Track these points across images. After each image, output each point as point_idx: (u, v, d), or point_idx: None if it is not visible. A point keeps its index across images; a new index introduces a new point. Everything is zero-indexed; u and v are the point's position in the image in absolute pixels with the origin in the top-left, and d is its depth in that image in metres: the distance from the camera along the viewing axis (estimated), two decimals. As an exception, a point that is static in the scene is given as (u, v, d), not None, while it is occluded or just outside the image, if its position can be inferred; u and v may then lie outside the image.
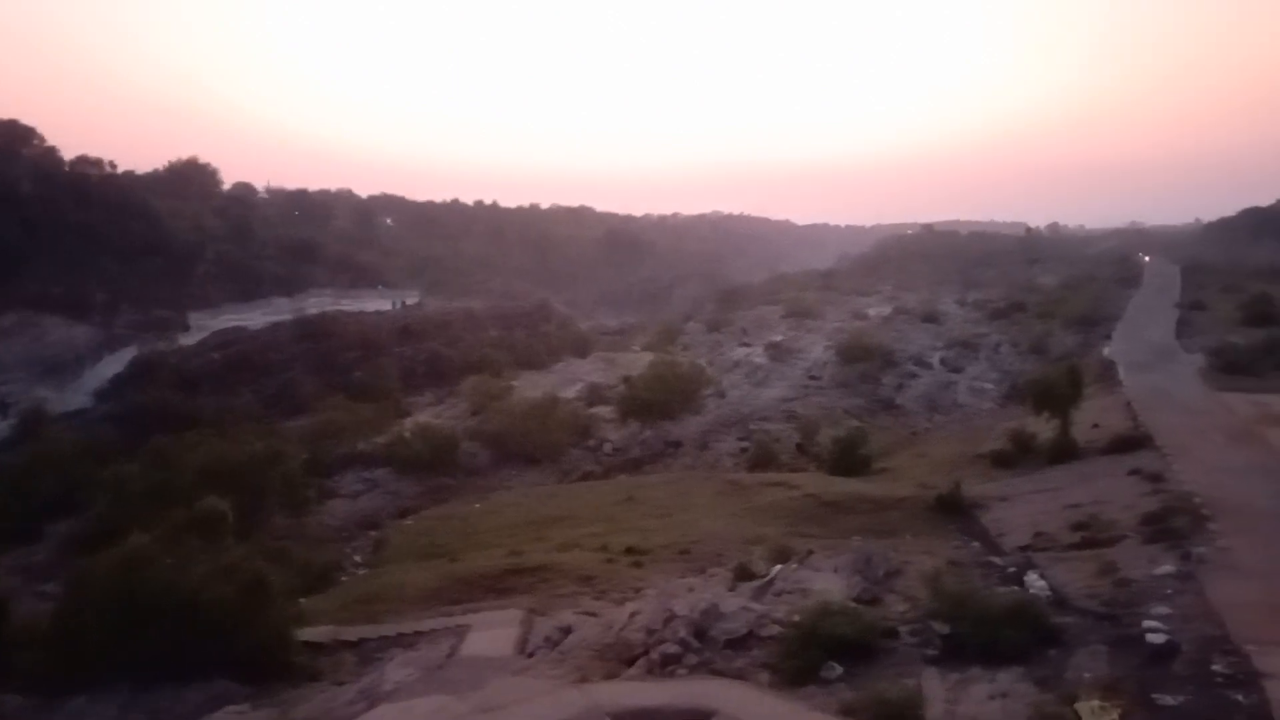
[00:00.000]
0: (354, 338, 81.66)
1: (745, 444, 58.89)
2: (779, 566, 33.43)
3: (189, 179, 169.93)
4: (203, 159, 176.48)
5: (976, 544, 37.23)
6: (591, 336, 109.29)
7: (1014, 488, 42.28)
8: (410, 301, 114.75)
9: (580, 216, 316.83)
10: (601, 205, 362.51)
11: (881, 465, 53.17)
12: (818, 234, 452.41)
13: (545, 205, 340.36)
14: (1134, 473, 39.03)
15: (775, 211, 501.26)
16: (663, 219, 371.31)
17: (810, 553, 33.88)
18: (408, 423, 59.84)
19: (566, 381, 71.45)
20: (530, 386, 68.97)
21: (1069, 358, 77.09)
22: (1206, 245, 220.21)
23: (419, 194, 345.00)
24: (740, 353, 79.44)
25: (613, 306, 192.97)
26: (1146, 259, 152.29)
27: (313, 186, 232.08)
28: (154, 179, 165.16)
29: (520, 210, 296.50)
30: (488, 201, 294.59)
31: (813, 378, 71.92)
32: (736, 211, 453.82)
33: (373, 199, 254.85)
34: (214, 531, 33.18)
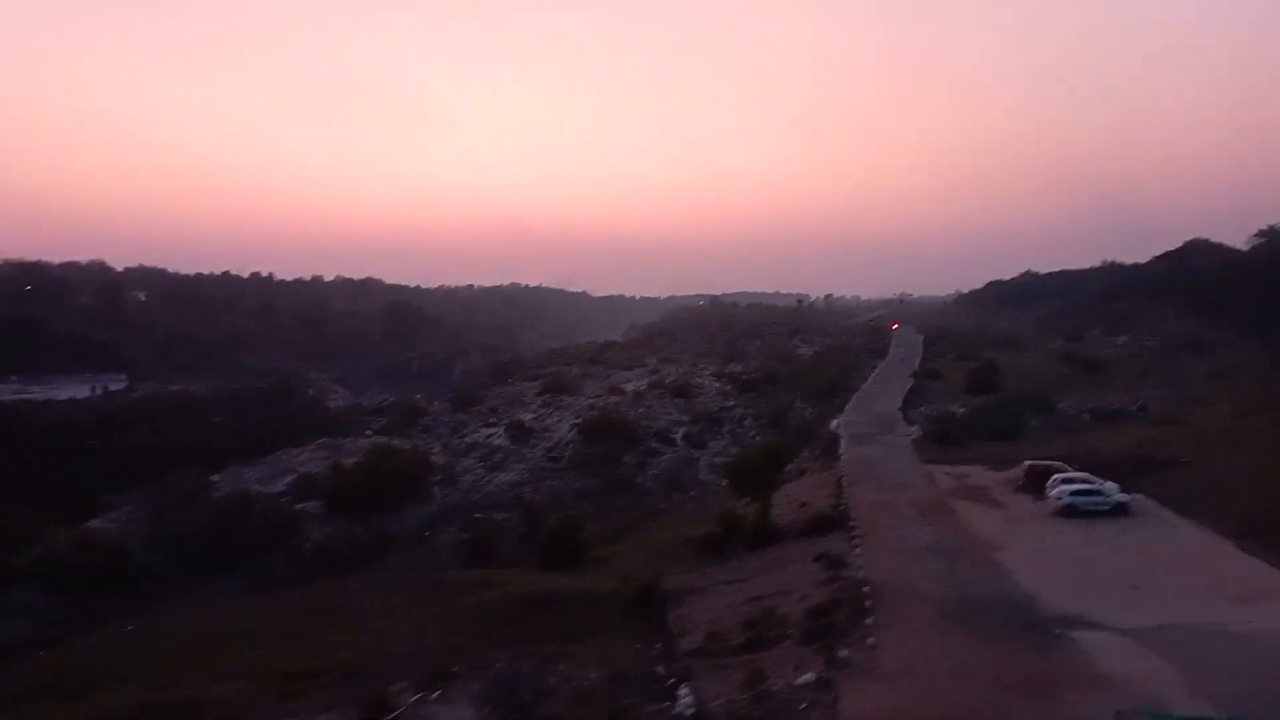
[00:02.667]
0: (37, 431, 71.83)
1: (467, 536, 55.18)
2: (416, 697, 29.89)
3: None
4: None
5: (659, 645, 35.16)
6: (344, 417, 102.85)
7: (710, 578, 40.66)
8: (115, 387, 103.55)
9: (365, 289, 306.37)
10: (393, 277, 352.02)
11: (601, 553, 50.71)
12: (612, 305, 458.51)
13: (329, 277, 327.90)
14: (820, 558, 38.25)
15: (574, 284, 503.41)
16: (454, 291, 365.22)
17: (455, 677, 30.52)
18: (69, 532, 51.82)
19: (278, 474, 65.42)
20: (235, 481, 62.49)
21: (806, 430, 78.76)
22: (957, 315, 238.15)
23: (188, 266, 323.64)
24: (482, 434, 76.07)
25: (390, 382, 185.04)
26: (895, 329, 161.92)
27: (58, 258, 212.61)
28: None
29: (297, 283, 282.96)
30: (265, 273, 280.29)
31: (553, 459, 69.51)
32: (535, 284, 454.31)
33: (129, 271, 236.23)
34: None
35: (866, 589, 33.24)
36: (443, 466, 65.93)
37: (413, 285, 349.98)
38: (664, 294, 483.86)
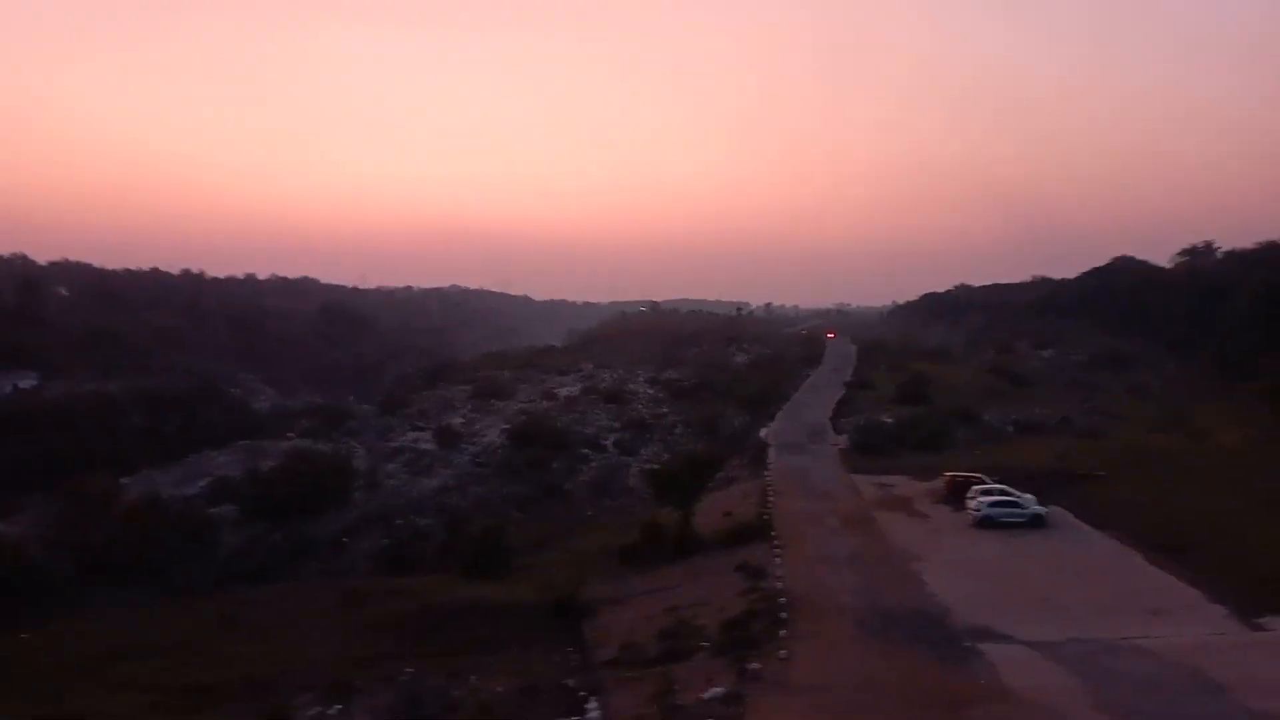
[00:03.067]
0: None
1: (389, 542, 53.90)
2: (314, 711, 28.89)
3: None
4: None
5: (576, 657, 34.56)
6: (269, 420, 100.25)
7: (630, 588, 40.19)
8: (25, 385, 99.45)
9: (299, 289, 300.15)
10: (329, 277, 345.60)
11: (525, 561, 49.85)
12: (554, 310, 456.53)
13: (264, 276, 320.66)
14: (740, 568, 37.96)
15: (515, 287, 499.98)
16: (391, 292, 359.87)
17: (358, 691, 29.55)
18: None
19: (193, 477, 63.26)
20: (148, 485, 60.20)
21: (736, 438, 78.76)
22: (892, 326, 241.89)
23: (115, 261, 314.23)
24: (410, 438, 74.61)
25: (321, 384, 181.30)
26: (830, 338, 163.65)
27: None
28: None
29: (229, 281, 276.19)
30: (196, 270, 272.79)
31: (480, 464, 68.42)
32: (475, 287, 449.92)
33: (52, 266, 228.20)
34: None
35: (784, 600, 33.04)
36: (366, 471, 64.39)
37: (349, 285, 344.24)
38: (606, 300, 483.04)
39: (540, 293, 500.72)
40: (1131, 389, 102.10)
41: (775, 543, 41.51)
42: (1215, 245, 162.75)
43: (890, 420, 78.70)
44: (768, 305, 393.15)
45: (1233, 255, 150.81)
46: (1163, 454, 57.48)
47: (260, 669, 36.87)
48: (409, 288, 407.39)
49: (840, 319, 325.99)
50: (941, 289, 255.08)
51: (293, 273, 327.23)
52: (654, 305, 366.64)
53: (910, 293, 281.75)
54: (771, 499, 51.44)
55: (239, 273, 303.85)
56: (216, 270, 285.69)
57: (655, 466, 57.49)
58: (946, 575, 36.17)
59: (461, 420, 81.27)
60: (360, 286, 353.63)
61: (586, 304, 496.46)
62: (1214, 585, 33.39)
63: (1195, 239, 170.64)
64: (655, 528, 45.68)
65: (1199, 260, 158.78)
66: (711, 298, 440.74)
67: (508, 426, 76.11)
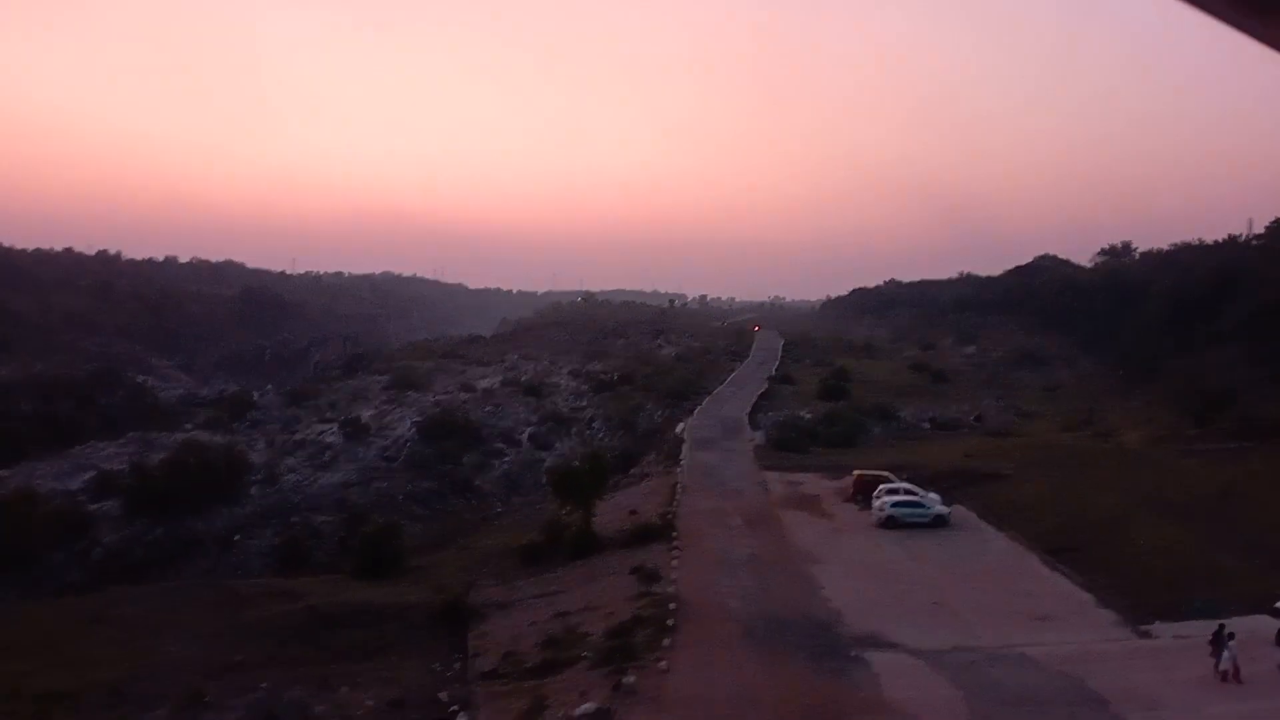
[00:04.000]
0: None
1: (281, 540, 51.58)
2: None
3: None
4: None
5: (457, 664, 33.10)
6: (174, 409, 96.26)
7: (522, 591, 38.77)
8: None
9: (222, 273, 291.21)
10: (256, 262, 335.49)
11: (421, 561, 48.03)
12: (488, 299, 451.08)
13: (185, 259, 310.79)
14: (636, 571, 36.76)
15: (451, 275, 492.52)
16: (319, 278, 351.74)
17: (206, 705, 27.70)
18: None
19: (77, 470, 59.82)
20: (27, 477, 56.78)
21: (654, 433, 77.75)
22: (822, 321, 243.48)
23: (27, 241, 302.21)
24: (315, 430, 71.88)
25: (239, 371, 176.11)
26: (756, 331, 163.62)
27: None
28: None
29: (147, 264, 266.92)
30: (112, 251, 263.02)
31: (388, 458, 66.20)
32: (409, 274, 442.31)
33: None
34: None
35: (673, 605, 31.98)
36: (264, 465, 61.72)
37: (276, 271, 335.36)
38: (542, 290, 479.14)
39: (476, 281, 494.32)
40: (1047, 387, 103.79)
41: (675, 543, 40.46)
42: (1133, 246, 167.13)
43: (809, 416, 78.45)
44: (703, 298, 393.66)
45: (1149, 256, 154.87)
46: (1068, 453, 57.94)
47: (121, 674, 34.76)
48: (340, 274, 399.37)
49: (775, 312, 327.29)
50: (873, 284, 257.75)
51: (219, 256, 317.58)
52: (589, 295, 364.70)
53: (845, 287, 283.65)
54: (679, 497, 50.45)
55: (159, 255, 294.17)
56: (136, 253, 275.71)
57: (557, 465, 55.96)
58: (842, 578, 35.50)
59: (373, 412, 78.71)
60: (289, 272, 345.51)
61: (521, 293, 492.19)
62: (1105, 589, 33.25)
63: (1117, 239, 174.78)
64: (556, 527, 44.32)
65: (1116, 260, 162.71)
66: (649, 289, 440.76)
67: (420, 419, 73.89)
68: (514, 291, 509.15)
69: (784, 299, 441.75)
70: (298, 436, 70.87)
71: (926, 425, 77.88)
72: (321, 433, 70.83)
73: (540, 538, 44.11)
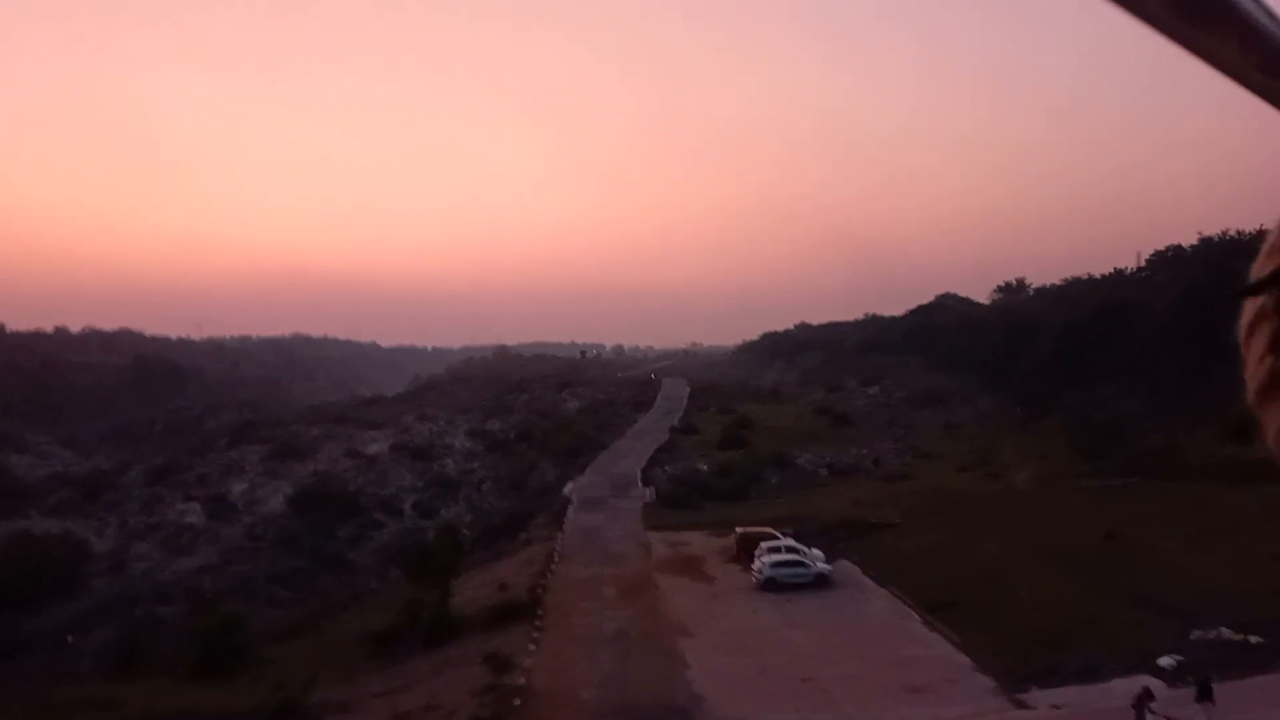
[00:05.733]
0: None
1: (118, 636, 46.77)
2: None
3: None
4: None
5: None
6: (42, 488, 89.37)
7: (364, 688, 35.12)
8: None
9: (116, 342, 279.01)
10: (156, 329, 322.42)
11: (269, 654, 43.74)
12: (403, 356, 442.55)
13: (77, 329, 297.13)
14: (489, 658, 33.45)
15: (365, 333, 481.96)
16: (220, 343, 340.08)
17: None
18: None
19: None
20: None
21: (546, 493, 74.52)
22: (734, 366, 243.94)
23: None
24: (178, 510, 66.75)
25: (126, 443, 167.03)
26: (653, 378, 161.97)
27: None
28: None
29: (35, 335, 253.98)
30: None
31: (255, 537, 61.60)
32: (320, 334, 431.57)
33: None
34: None
35: (518, 701, 28.90)
36: (112, 552, 56.68)
37: (176, 338, 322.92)
38: (458, 345, 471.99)
39: (389, 339, 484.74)
40: (948, 426, 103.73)
41: (538, 622, 37.37)
42: (1027, 282, 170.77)
43: (705, 468, 76.33)
44: (618, 347, 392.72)
45: (1042, 291, 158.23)
46: (959, 497, 56.61)
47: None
48: (245, 337, 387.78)
49: (690, 359, 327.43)
50: (785, 328, 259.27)
51: (116, 325, 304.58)
52: (503, 349, 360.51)
53: (758, 331, 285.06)
54: (555, 565, 47.44)
55: (48, 326, 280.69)
56: (22, 324, 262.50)
57: (408, 542, 52.27)
58: (711, 654, 32.85)
59: (244, 486, 73.81)
60: (193, 337, 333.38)
61: (436, 349, 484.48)
62: (984, 650, 31.29)
63: (1014, 275, 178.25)
64: (413, 610, 40.75)
65: (1012, 297, 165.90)
66: (566, 340, 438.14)
67: (293, 492, 69.35)
68: (429, 348, 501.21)
69: (701, 345, 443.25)
70: (155, 518, 65.62)
71: (824, 471, 76.37)
72: (183, 512, 65.75)
73: (396, 622, 40.50)
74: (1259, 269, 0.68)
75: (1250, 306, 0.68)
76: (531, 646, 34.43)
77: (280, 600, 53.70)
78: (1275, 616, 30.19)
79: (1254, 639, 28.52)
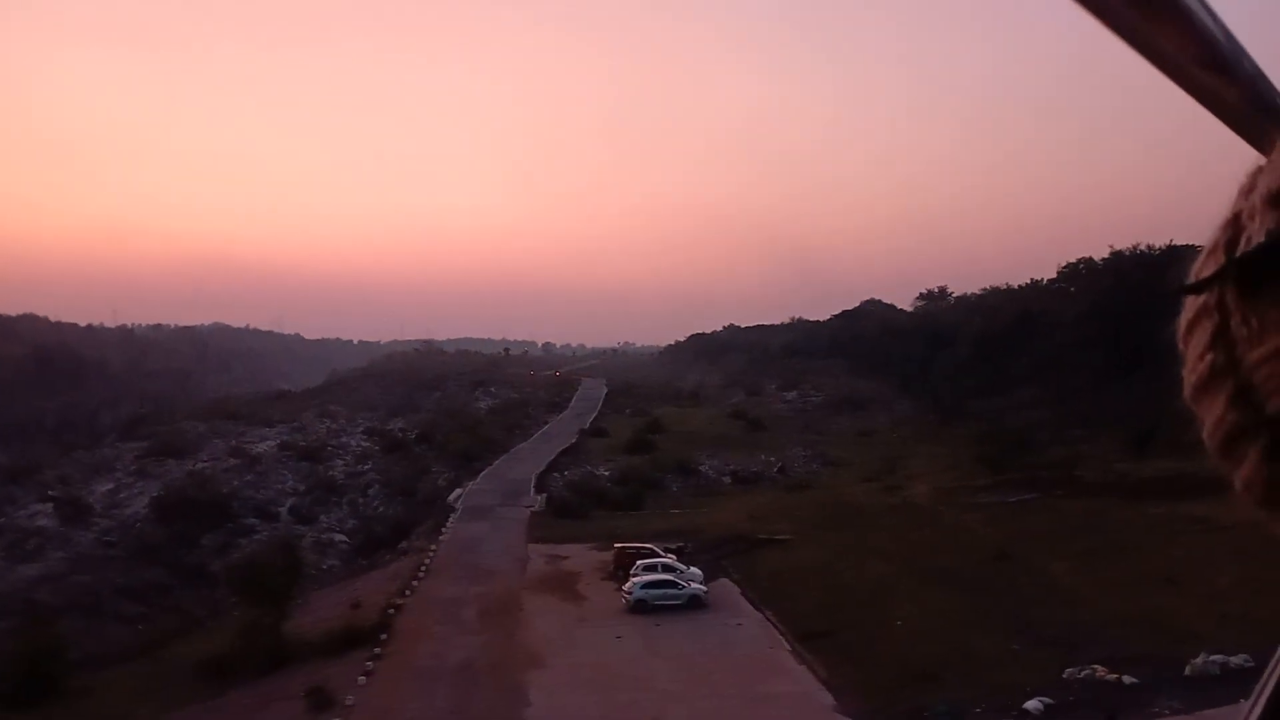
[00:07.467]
0: None
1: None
2: None
3: None
4: None
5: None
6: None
7: (175, 725, 31.24)
8: None
9: (15, 329, 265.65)
10: (66, 315, 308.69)
11: (90, 683, 39.39)
12: (325, 349, 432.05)
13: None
14: (311, 694, 29.95)
15: (290, 325, 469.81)
16: (131, 331, 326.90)
17: None
18: None
19: None
20: None
21: (435, 499, 70.84)
22: (659, 367, 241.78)
23: None
24: (29, 511, 61.44)
25: (14, 439, 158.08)
26: (557, 376, 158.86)
27: None
28: None
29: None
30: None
31: (108, 543, 56.89)
32: (241, 324, 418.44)
33: None
34: None
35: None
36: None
37: (85, 324, 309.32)
38: (386, 339, 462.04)
39: (314, 331, 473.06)
40: (861, 433, 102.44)
41: (378, 650, 33.97)
42: (949, 290, 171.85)
43: (606, 473, 73.49)
44: (545, 345, 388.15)
45: (962, 300, 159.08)
46: (856, 509, 54.58)
47: None
48: (160, 325, 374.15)
49: (617, 359, 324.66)
50: (714, 329, 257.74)
51: (21, 309, 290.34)
52: (429, 344, 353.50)
53: (688, 333, 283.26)
54: (419, 581, 44.05)
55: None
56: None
57: (238, 559, 48.17)
58: (559, 690, 29.87)
59: (110, 487, 68.71)
60: (106, 325, 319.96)
61: (363, 343, 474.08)
62: (849, 687, 28.88)
63: (938, 284, 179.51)
64: (251, 634, 36.94)
65: (934, 304, 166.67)
66: (498, 337, 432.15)
67: (159, 493, 64.56)
68: (354, 341, 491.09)
69: (633, 344, 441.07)
70: (6, 520, 60.33)
71: (727, 479, 74.17)
72: (33, 515, 60.54)
73: (228, 648, 36.67)
74: (1200, 268, 0.69)
75: (1191, 304, 0.69)
76: (362, 679, 31.05)
77: (128, 616, 49.22)
78: (1154, 650, 28.39)
79: (1128, 679, 26.50)
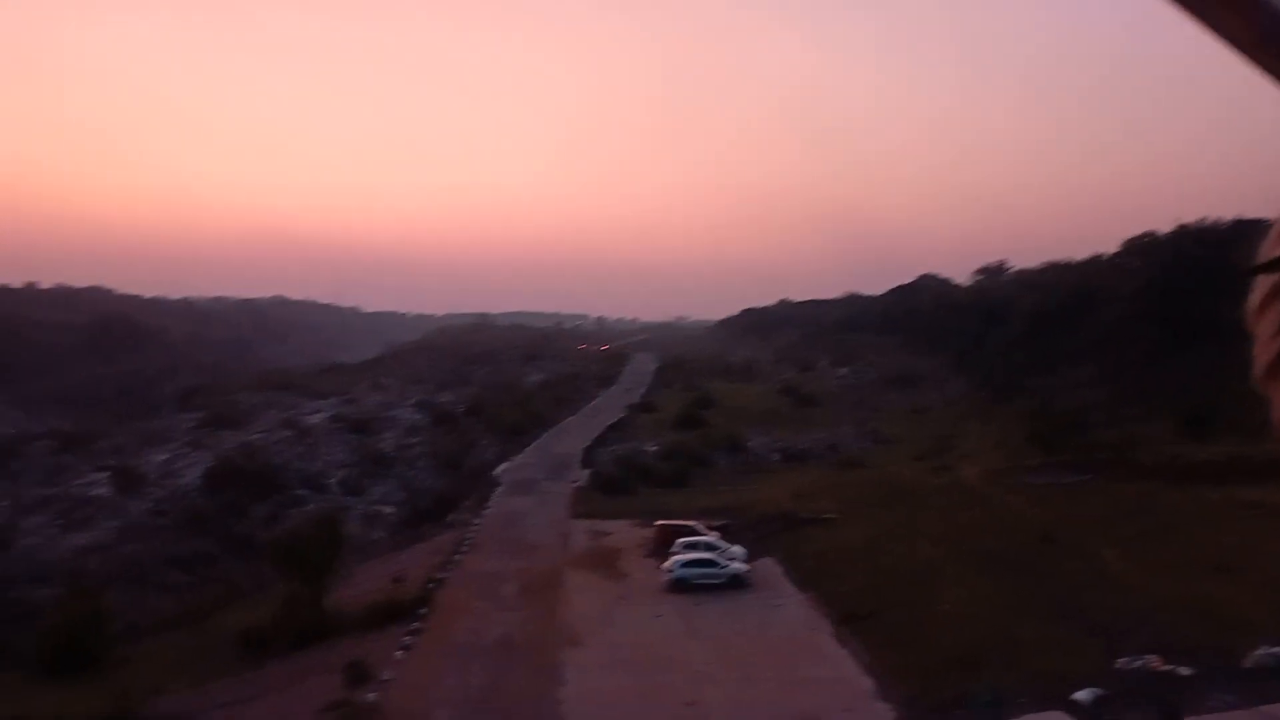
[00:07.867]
0: None
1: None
2: None
3: None
4: None
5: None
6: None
7: (211, 699, 31.61)
8: None
9: (83, 300, 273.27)
10: (131, 287, 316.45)
11: (131, 652, 39.91)
12: (382, 322, 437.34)
13: (48, 285, 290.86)
14: (349, 668, 30.04)
15: (346, 298, 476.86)
16: (193, 303, 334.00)
17: None
18: None
19: None
20: None
21: (481, 473, 71.04)
22: (712, 341, 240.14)
23: None
24: (85, 481, 62.84)
25: (77, 405, 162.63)
26: (604, 350, 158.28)
27: None
28: None
29: None
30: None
31: (159, 512, 58.03)
32: (300, 297, 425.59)
33: None
34: None
35: (371, 721, 25.56)
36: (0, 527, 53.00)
37: (149, 296, 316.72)
38: (441, 311, 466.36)
39: (373, 304, 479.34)
40: (914, 411, 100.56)
41: (416, 625, 34.03)
42: (1007, 264, 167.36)
43: (653, 449, 72.97)
44: (599, 318, 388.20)
45: (1021, 275, 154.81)
46: (905, 489, 53.37)
47: None
48: (220, 298, 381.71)
49: (671, 332, 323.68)
50: (767, 303, 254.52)
51: (90, 282, 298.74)
52: (483, 317, 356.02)
53: (742, 307, 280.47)
54: (461, 555, 44.13)
55: (17, 281, 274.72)
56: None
57: (281, 532, 48.34)
58: (594, 670, 29.59)
59: (165, 458, 70.11)
60: (168, 297, 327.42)
61: (419, 316, 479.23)
62: (890, 671, 28.10)
63: (996, 258, 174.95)
64: (291, 607, 37.24)
65: (991, 279, 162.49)
66: (550, 310, 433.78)
67: (212, 464, 65.67)
68: (411, 314, 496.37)
69: (687, 318, 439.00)
70: (61, 489, 61.84)
71: (776, 457, 73.15)
72: (89, 484, 61.96)
73: (267, 620, 37.02)
74: (1271, 247, 0.66)
75: (1262, 284, 0.66)
76: (400, 654, 31.09)
77: (173, 586, 50.12)
78: (1205, 639, 27.09)
79: (1183, 670, 25.33)
